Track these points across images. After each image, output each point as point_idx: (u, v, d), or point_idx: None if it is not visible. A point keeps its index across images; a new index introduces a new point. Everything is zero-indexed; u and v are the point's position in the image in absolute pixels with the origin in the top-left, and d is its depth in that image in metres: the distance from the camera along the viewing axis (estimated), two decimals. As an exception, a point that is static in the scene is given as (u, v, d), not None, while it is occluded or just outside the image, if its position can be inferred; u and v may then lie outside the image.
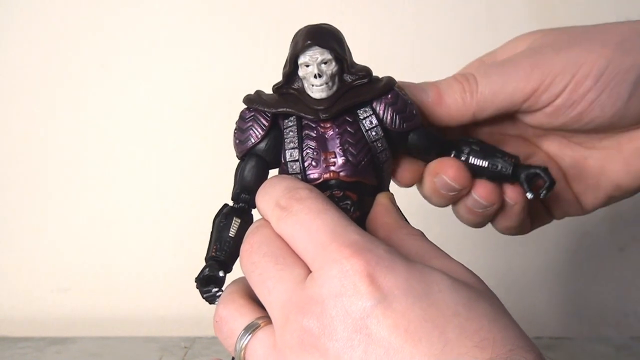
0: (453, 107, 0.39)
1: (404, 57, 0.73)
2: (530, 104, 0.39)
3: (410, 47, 0.73)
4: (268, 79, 0.38)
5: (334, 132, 0.36)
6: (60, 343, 0.73)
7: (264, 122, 0.36)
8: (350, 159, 0.35)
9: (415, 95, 0.38)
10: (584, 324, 0.78)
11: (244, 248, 0.33)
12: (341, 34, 0.37)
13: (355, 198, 0.36)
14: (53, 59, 0.74)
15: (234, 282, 0.36)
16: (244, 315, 0.33)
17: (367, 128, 0.36)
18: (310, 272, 0.31)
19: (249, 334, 0.32)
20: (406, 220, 0.37)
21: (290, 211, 0.32)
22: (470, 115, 0.39)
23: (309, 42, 0.35)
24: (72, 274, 0.77)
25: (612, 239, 0.77)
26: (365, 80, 0.37)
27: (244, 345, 0.32)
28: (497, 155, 0.38)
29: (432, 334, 0.27)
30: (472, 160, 0.38)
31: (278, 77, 0.38)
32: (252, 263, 0.32)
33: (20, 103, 0.75)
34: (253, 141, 0.36)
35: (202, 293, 0.34)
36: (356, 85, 0.37)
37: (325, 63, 0.35)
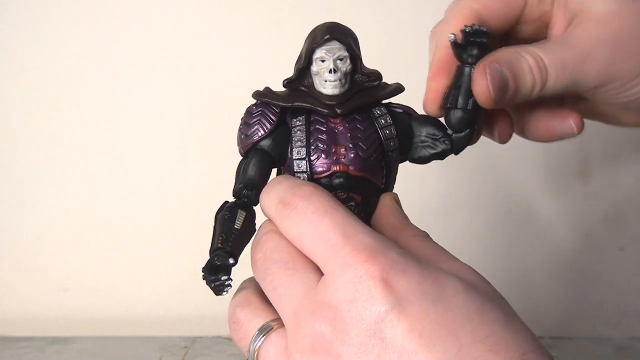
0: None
1: (403, 57, 0.73)
2: (589, 94, 0.39)
3: (410, 48, 0.73)
4: (273, 78, 0.38)
5: (344, 128, 0.36)
6: (60, 343, 0.73)
7: (272, 117, 0.36)
8: (361, 153, 0.35)
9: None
10: (584, 324, 0.78)
11: (257, 257, 0.33)
12: (356, 36, 0.37)
13: (359, 200, 0.36)
14: (53, 59, 0.74)
15: (248, 281, 0.35)
16: (259, 317, 0.33)
17: (382, 126, 0.37)
18: (321, 274, 0.30)
19: (263, 336, 0.32)
20: None
21: (295, 208, 0.32)
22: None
23: (328, 36, 0.36)
24: (72, 274, 0.77)
25: (612, 239, 0.77)
26: (375, 84, 0.37)
27: (257, 347, 0.32)
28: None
29: (447, 339, 0.27)
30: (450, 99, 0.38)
31: (281, 78, 0.38)
32: (264, 271, 0.32)
33: (21, 105, 0.75)
34: (261, 134, 0.36)
35: (210, 282, 0.32)
36: (367, 87, 0.37)
37: (341, 60, 0.36)
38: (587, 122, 0.74)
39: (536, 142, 0.43)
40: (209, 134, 0.74)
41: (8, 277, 0.77)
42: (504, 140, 0.42)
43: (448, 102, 0.38)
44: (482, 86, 0.36)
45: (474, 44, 0.37)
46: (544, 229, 0.77)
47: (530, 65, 0.37)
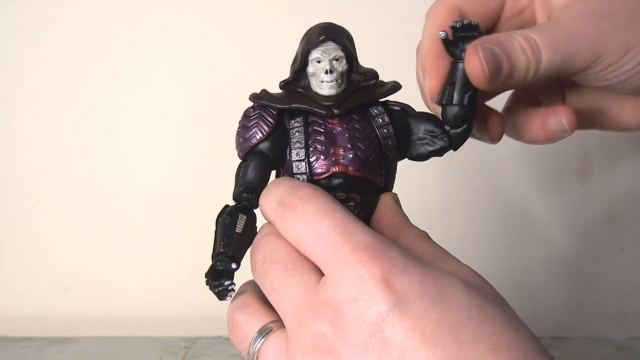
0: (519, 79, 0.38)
1: (402, 58, 0.73)
2: (586, 71, 0.39)
3: (410, 48, 0.73)
4: (273, 78, 0.38)
5: (342, 128, 0.36)
6: (60, 343, 0.73)
7: (270, 119, 0.36)
8: (359, 153, 0.35)
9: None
10: (584, 324, 0.78)
11: (257, 259, 0.33)
12: (351, 35, 0.37)
13: (358, 200, 0.36)
14: (53, 59, 0.74)
15: (247, 284, 0.35)
16: (258, 319, 0.33)
17: (379, 125, 0.37)
18: (321, 274, 0.31)
19: (262, 338, 0.32)
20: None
21: (294, 209, 0.32)
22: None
23: (323, 37, 0.36)
24: (72, 274, 0.77)
25: (612, 239, 0.77)
26: (372, 82, 0.37)
27: (256, 349, 0.32)
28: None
29: (447, 338, 0.27)
30: (447, 95, 0.38)
31: (281, 78, 0.38)
32: (264, 272, 0.32)
33: (21, 105, 0.75)
34: (259, 137, 0.36)
35: (213, 287, 0.33)
36: (364, 86, 0.37)
37: (336, 60, 0.36)
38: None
39: (532, 144, 0.43)
40: (208, 134, 0.74)
41: (8, 277, 0.77)
42: (494, 139, 0.41)
43: (444, 98, 0.38)
44: (475, 64, 0.36)
45: (464, 38, 0.37)
46: (544, 229, 0.77)
47: (522, 45, 0.37)
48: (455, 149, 0.39)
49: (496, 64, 0.36)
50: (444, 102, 0.38)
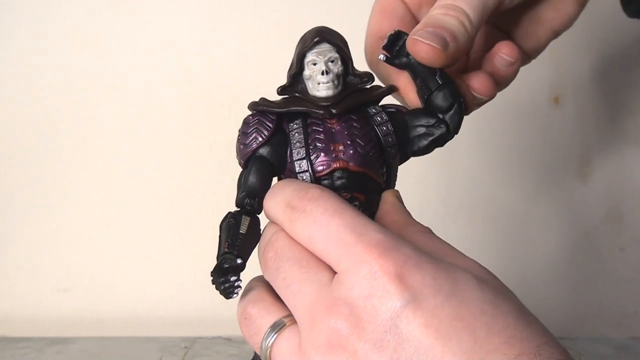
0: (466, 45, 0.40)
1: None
2: None
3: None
4: (272, 79, 0.39)
5: (340, 127, 0.36)
6: (60, 343, 0.73)
7: (269, 124, 0.37)
8: (359, 149, 0.36)
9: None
10: (584, 324, 0.78)
11: (268, 255, 0.33)
12: (345, 39, 0.38)
13: (363, 199, 0.36)
14: (51, 58, 0.74)
15: (256, 279, 0.35)
16: (272, 313, 0.33)
17: (378, 123, 0.37)
18: (333, 272, 0.31)
19: (275, 333, 0.32)
20: None
21: (304, 211, 0.32)
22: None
23: (317, 38, 0.36)
24: (72, 274, 0.77)
25: (612, 239, 0.77)
26: (368, 85, 0.38)
27: (270, 344, 0.32)
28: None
29: (462, 333, 0.28)
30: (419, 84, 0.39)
31: (281, 79, 0.38)
32: (276, 269, 0.32)
33: (20, 106, 0.75)
34: (259, 141, 0.36)
35: (219, 285, 0.32)
36: (360, 88, 0.38)
37: (332, 61, 0.36)
38: (584, 121, 0.74)
39: (504, 87, 0.44)
40: (208, 135, 0.74)
41: (8, 277, 0.77)
42: (487, 94, 0.42)
43: (423, 94, 0.39)
44: (424, 48, 0.37)
45: (401, 48, 0.39)
46: (544, 229, 0.77)
47: (444, 12, 0.39)
48: (455, 132, 0.39)
49: (439, 38, 0.37)
50: (425, 96, 0.39)
